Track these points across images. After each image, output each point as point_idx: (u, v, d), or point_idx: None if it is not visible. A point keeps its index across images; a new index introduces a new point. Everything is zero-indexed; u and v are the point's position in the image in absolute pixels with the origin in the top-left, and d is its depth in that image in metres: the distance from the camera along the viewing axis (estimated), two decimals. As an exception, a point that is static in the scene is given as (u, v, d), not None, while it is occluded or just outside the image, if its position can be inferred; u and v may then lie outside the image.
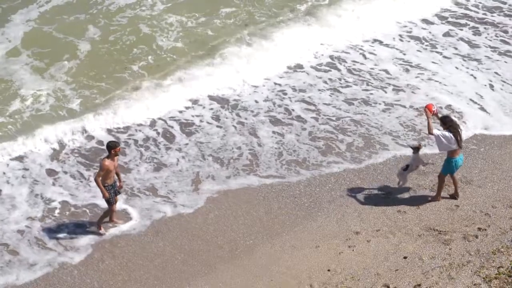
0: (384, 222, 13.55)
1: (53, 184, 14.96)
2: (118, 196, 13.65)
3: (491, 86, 17.95)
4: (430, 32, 20.62)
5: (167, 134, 16.50)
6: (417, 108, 17.14)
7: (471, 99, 17.42)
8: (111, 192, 13.19)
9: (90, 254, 13.22)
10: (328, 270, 12.47)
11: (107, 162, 12.89)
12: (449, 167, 13.56)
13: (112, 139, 15.60)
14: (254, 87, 18.10)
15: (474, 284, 11.81)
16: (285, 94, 17.94)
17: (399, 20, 21.07)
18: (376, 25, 20.71)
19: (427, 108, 13.48)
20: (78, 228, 13.84)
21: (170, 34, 19.86)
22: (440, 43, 20.08)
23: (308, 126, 16.72)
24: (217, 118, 17.03)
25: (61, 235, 13.66)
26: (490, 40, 20.12)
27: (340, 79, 18.50)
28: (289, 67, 18.89)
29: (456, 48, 19.80)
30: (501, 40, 20.14)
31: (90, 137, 16.26)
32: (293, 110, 17.32)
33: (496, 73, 18.57)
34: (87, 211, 14.26)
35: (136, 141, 16.30)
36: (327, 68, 18.95)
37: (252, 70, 18.54)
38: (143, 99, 17.36)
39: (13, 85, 17.75)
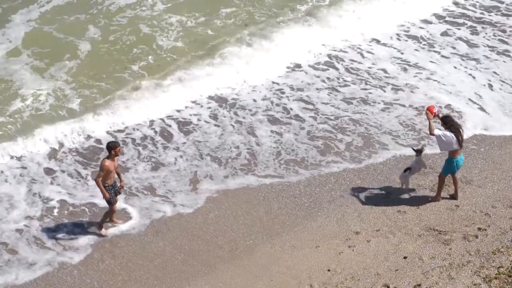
0: (384, 222, 13.45)
1: (51, 183, 14.85)
2: (118, 196, 13.51)
3: (490, 86, 17.85)
4: (428, 32, 20.53)
5: (165, 133, 16.37)
6: (416, 108, 17.05)
7: (470, 99, 17.32)
8: (111, 192, 13.08)
9: (90, 254, 13.11)
10: (328, 270, 12.38)
11: (107, 163, 12.80)
12: (450, 167, 13.47)
13: (112, 139, 15.54)
14: (253, 87, 17.98)
15: (474, 284, 11.73)
16: (283, 93, 17.82)
17: (399, 20, 20.96)
18: (376, 25, 20.59)
19: (428, 110, 13.37)
20: (77, 227, 13.73)
21: (170, 34, 19.76)
22: (438, 42, 19.99)
23: (306, 126, 16.59)
24: (216, 117, 16.90)
25: (60, 235, 13.55)
26: (488, 40, 20.03)
27: (338, 78, 18.38)
28: (288, 67, 18.77)
29: (454, 48, 19.71)
30: (499, 40, 20.05)
31: (89, 137, 16.14)
32: (291, 109, 17.20)
33: (494, 72, 18.46)
34: (86, 210, 14.15)
35: (134, 139, 16.18)
36: (325, 67, 18.85)
37: (252, 70, 18.41)
38: (142, 99, 17.26)
39: (13, 85, 17.64)
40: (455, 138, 13.13)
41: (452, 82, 18.06)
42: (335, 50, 19.55)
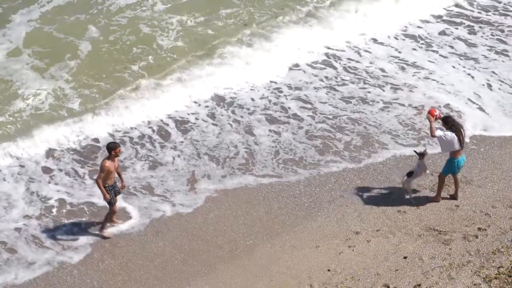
0: (384, 222, 13.33)
1: (50, 182, 14.71)
2: (117, 196, 13.40)
3: (489, 86, 17.73)
4: (425, 31, 20.41)
5: (164, 133, 16.22)
6: (416, 107, 16.93)
7: (469, 99, 17.19)
8: (111, 192, 12.98)
9: (90, 254, 12.99)
10: (328, 270, 12.28)
11: (108, 163, 12.71)
12: (450, 167, 13.35)
13: (112, 140, 15.44)
14: (252, 86, 17.83)
15: (474, 284, 11.65)
16: (281, 92, 17.69)
17: (398, 20, 20.80)
18: (374, 25, 20.45)
19: (430, 113, 13.26)
20: (77, 227, 13.61)
21: (170, 34, 19.63)
22: (436, 42, 19.88)
23: (305, 125, 16.46)
24: (214, 117, 16.76)
25: (59, 234, 13.43)
26: (486, 39, 19.93)
27: (336, 77, 18.25)
28: (287, 67, 18.59)
29: (452, 47, 19.59)
30: (498, 39, 19.94)
31: (88, 137, 15.99)
32: (289, 108, 17.08)
33: (493, 72, 18.34)
34: (85, 209, 14.02)
35: (132, 138, 16.05)
36: (323, 66, 18.71)
37: (252, 70, 18.26)
38: (142, 99, 17.14)
39: (13, 85, 17.51)
40: (456, 138, 13.01)
41: (451, 81, 17.95)
42: (332, 49, 19.41)
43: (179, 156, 15.50)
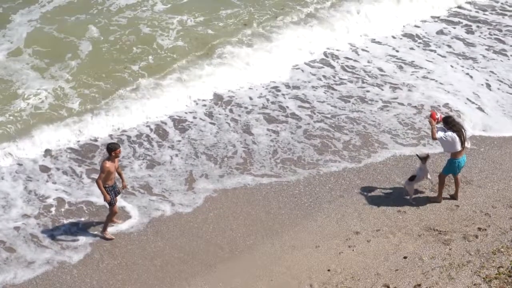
0: (384, 222, 13.21)
1: (48, 181, 14.59)
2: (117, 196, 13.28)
3: (488, 86, 17.62)
4: (423, 30, 20.35)
5: (164, 133, 16.08)
6: (415, 106, 16.80)
7: (468, 99, 17.09)
8: (112, 193, 12.86)
9: (90, 254, 12.86)
10: (328, 270, 12.16)
11: (108, 164, 12.60)
12: (451, 167, 13.23)
13: (112, 141, 15.34)
14: (251, 86, 17.72)
15: (474, 284, 11.57)
16: (279, 91, 17.57)
17: (399, 21, 20.74)
18: (376, 26, 20.39)
19: (431, 116, 13.14)
20: (76, 226, 13.48)
21: (170, 34, 19.51)
22: (434, 41, 19.79)
23: (303, 124, 16.33)
24: (214, 116, 16.64)
25: (58, 233, 13.30)
26: (484, 39, 19.83)
27: (334, 76, 18.14)
28: (286, 67, 18.46)
29: (450, 46, 19.49)
30: (496, 39, 19.85)
31: (88, 136, 15.85)
32: (287, 107, 16.94)
33: (492, 72, 18.24)
34: (84, 208, 13.89)
35: (131, 138, 15.92)
36: (321, 65, 18.63)
37: (251, 71, 18.16)
38: (142, 98, 17.01)
39: (13, 85, 17.39)
40: (457, 138, 12.89)
41: (449, 81, 17.85)
42: (331, 49, 19.31)
43: (176, 155, 15.38)
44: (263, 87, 17.71)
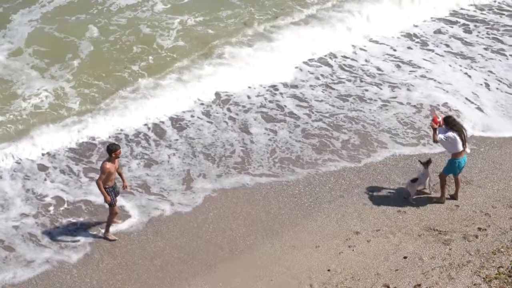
0: (384, 222, 13.08)
1: (46, 179, 14.48)
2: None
3: (487, 85, 17.49)
4: (421, 29, 20.25)
5: (163, 133, 15.94)
6: (414, 105, 16.68)
7: (467, 98, 16.96)
8: (112, 194, 12.73)
9: (90, 254, 12.72)
10: (328, 270, 12.04)
11: (108, 165, 12.47)
12: (451, 167, 13.10)
13: (111, 140, 15.26)
14: (250, 86, 17.57)
15: (474, 284, 11.45)
16: (277, 89, 17.44)
17: (396, 21, 20.60)
18: (376, 27, 20.25)
19: (433, 120, 13.01)
20: (75, 225, 13.35)
21: (170, 34, 19.38)
22: (431, 40, 19.68)
23: (301, 123, 16.19)
24: (213, 116, 16.51)
25: (57, 233, 13.16)
26: (482, 38, 19.70)
27: (332, 75, 18.01)
28: (286, 67, 18.31)
29: (448, 46, 19.38)
30: (494, 38, 19.73)
31: (87, 136, 15.71)
32: (285, 106, 16.80)
33: (490, 71, 18.11)
34: (83, 208, 13.76)
35: (130, 138, 15.79)
36: (318, 64, 18.49)
37: (251, 71, 18.02)
38: (142, 98, 16.88)
39: (13, 85, 17.27)
40: (458, 137, 12.77)
41: (448, 80, 17.72)
42: (329, 49, 19.17)
43: (174, 154, 15.25)
44: (262, 86, 17.57)
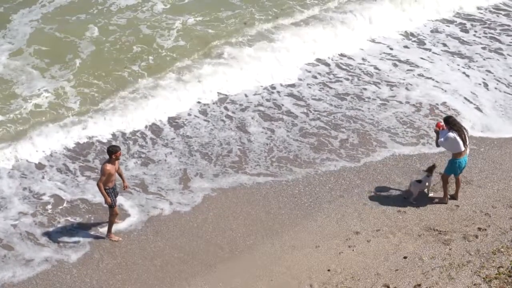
0: (384, 222, 12.91)
1: (43, 178, 14.28)
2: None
3: (485, 85, 17.32)
4: (418, 28, 20.08)
5: (164, 133, 15.75)
6: (413, 104, 16.52)
7: (466, 98, 16.80)
8: (112, 195, 12.56)
9: (90, 254, 12.53)
10: (328, 270, 11.87)
11: (109, 167, 12.31)
12: (452, 168, 12.94)
13: (110, 141, 15.16)
14: (249, 86, 17.36)
15: (474, 284, 11.31)
16: (274, 88, 17.27)
17: (395, 21, 20.42)
18: (373, 26, 20.05)
19: (437, 126, 12.93)
20: (75, 225, 13.17)
21: (170, 33, 19.16)
22: (428, 39, 19.53)
23: (299, 122, 16.01)
24: (214, 116, 16.31)
25: (56, 232, 12.97)
26: (480, 37, 19.53)
27: (329, 74, 17.85)
28: (286, 67, 18.10)
29: (445, 45, 19.21)
30: (491, 37, 19.55)
31: (86, 136, 15.49)
32: (282, 105, 16.62)
33: (488, 71, 17.94)
34: (85, 207, 13.57)
35: (124, 134, 15.62)
36: (315, 63, 18.31)
37: (251, 70, 17.81)
38: (141, 98, 16.67)
39: (14, 84, 17.06)
40: (458, 137, 12.61)
41: (446, 80, 17.56)
42: (329, 49, 18.93)
43: (171, 153, 15.07)
44: (261, 86, 17.38)
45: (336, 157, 14.85)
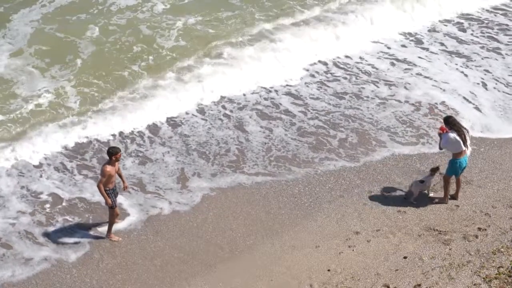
0: (384, 222, 12.74)
1: (41, 177, 14.13)
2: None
3: (484, 85, 17.17)
4: (415, 27, 19.94)
5: (157, 131, 15.60)
6: (413, 104, 16.36)
7: (465, 98, 16.65)
8: (112, 195, 12.41)
9: (90, 253, 12.36)
10: (328, 270, 11.72)
11: (109, 168, 12.17)
12: (453, 168, 12.78)
13: (110, 139, 15.03)
14: (249, 86, 17.18)
15: (474, 284, 11.16)
16: (271, 87, 17.13)
17: (395, 22, 20.25)
18: (371, 26, 19.91)
19: (441, 129, 12.76)
20: (74, 224, 13.00)
21: (170, 33, 19.00)
22: (426, 38, 19.38)
23: (297, 121, 15.84)
24: (213, 116, 16.14)
25: (56, 231, 12.80)
26: (477, 37, 19.39)
27: (326, 73, 17.70)
28: (286, 67, 17.95)
29: (443, 44, 19.06)
30: (488, 37, 19.41)
31: (86, 135, 15.33)
32: (280, 104, 16.45)
33: (487, 70, 17.79)
34: (82, 206, 13.40)
35: (122, 133, 15.45)
36: (313, 62, 18.15)
37: (251, 70, 17.66)
38: (141, 98, 16.53)
39: (13, 85, 16.90)
40: (458, 137, 12.47)
41: (445, 79, 17.42)
42: (328, 49, 18.78)
43: (168, 152, 14.91)
44: (260, 86, 17.20)
45: (335, 157, 14.69)
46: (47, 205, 13.43)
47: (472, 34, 19.54)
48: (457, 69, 17.88)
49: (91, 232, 12.80)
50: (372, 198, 13.39)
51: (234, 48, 18.50)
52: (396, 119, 15.84)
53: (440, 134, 12.73)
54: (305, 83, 17.30)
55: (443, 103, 16.36)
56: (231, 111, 16.27)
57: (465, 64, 18.05)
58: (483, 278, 11.25)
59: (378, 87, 17.11)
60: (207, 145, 15.13)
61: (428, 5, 20.99)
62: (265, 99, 16.70)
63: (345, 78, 17.47)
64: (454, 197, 13.16)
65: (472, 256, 11.74)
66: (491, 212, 12.80)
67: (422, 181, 13.14)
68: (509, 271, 11.32)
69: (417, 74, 17.63)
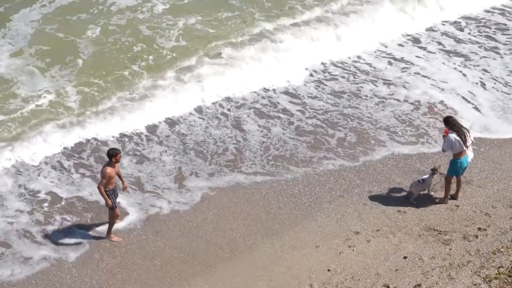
0: (384, 222, 12.59)
1: (39, 176, 13.98)
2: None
3: (483, 84, 17.00)
4: (413, 26, 19.75)
5: (164, 133, 15.42)
6: (412, 103, 16.21)
7: (464, 98, 16.49)
8: (112, 196, 12.28)
9: (90, 253, 12.22)
10: (328, 270, 11.58)
11: (109, 170, 12.04)
12: (454, 168, 12.63)
13: (110, 138, 14.93)
14: (248, 86, 17.00)
15: (474, 284, 11.03)
16: (270, 87, 16.98)
17: (394, 22, 20.06)
18: (377, 28, 19.70)
19: (445, 132, 12.59)
20: (73, 224, 12.85)
21: (170, 33, 18.84)
22: (423, 37, 19.23)
23: (295, 120, 15.68)
24: (212, 116, 15.99)
25: (55, 231, 12.66)
26: (475, 36, 19.24)
27: (324, 72, 17.54)
28: (285, 67, 17.78)
29: (440, 43, 18.90)
30: (486, 36, 19.25)
31: (86, 135, 15.18)
32: (278, 103, 16.30)
33: (485, 70, 17.63)
34: (77, 204, 13.27)
35: (121, 133, 15.30)
36: (312, 62, 17.96)
37: (251, 70, 17.50)
38: (141, 98, 16.37)
39: (14, 84, 16.74)
40: (458, 137, 12.33)
41: (443, 78, 17.24)
42: (328, 49, 18.60)
43: (165, 151, 14.77)
44: (260, 86, 17.03)
45: (334, 156, 14.53)
46: (46, 204, 13.28)
47: (470, 34, 19.38)
48: (455, 68, 17.73)
49: (91, 232, 12.65)
50: (372, 198, 13.24)
51: (234, 48, 18.34)
52: (395, 118, 15.69)
53: (444, 137, 12.58)
54: (304, 82, 17.14)
55: (442, 102, 16.21)
56: (228, 109, 16.12)
57: (463, 64, 17.90)
58: (483, 278, 11.12)
59: (376, 86, 16.96)
60: (205, 144, 14.99)
61: (429, 5, 20.81)
62: (263, 98, 16.55)
63: (343, 77, 17.31)
64: (454, 197, 13.01)
65: (472, 256, 11.60)
66: (491, 212, 12.65)
67: (422, 181, 12.98)
68: (509, 271, 11.20)
69: (415, 73, 17.48)
